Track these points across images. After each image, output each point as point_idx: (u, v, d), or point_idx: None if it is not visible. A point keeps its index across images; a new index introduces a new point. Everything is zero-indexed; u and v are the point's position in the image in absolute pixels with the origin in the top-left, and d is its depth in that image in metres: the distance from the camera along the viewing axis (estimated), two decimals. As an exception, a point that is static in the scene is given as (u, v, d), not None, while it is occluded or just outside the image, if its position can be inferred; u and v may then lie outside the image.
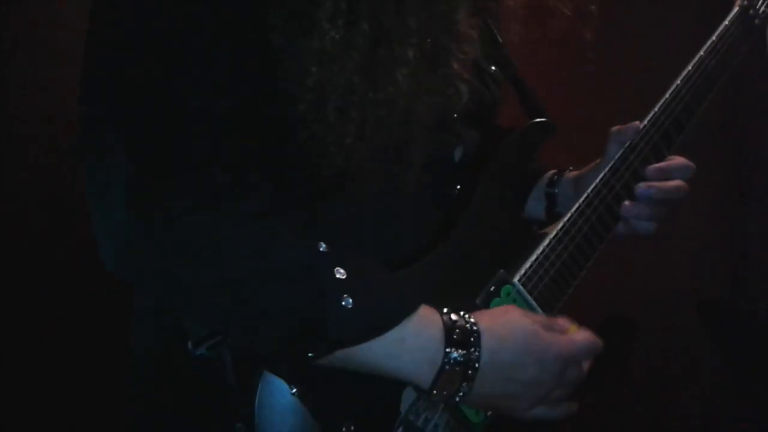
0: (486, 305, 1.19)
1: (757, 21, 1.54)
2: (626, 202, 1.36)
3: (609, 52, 3.03)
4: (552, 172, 1.50)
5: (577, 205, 1.32)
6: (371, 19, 1.08)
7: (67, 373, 2.35)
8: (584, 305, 1.37)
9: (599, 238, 1.33)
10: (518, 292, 1.22)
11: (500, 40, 1.39)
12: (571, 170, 1.49)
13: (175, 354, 1.13)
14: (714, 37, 1.48)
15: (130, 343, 1.25)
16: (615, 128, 1.40)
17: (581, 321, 1.29)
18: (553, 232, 1.28)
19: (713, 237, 3.24)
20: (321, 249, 1.04)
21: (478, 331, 1.08)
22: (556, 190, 1.47)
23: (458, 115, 1.25)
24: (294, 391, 1.06)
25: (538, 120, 1.33)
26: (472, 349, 1.07)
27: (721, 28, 1.50)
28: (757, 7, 1.55)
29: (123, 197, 1.01)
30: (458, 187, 1.25)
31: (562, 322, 1.20)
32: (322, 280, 1.02)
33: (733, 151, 3.26)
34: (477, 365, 1.07)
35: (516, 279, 1.23)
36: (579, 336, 1.19)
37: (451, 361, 1.06)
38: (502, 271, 1.22)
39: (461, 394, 1.08)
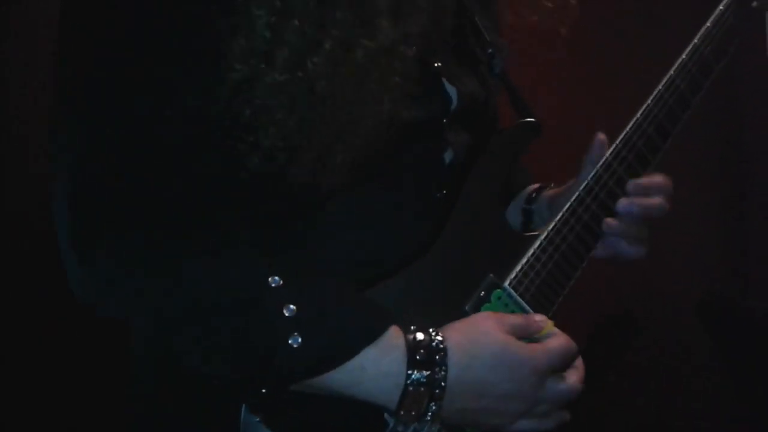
0: (476, 311, 1.18)
1: (754, 3, 1.50)
2: (608, 219, 1.32)
3: (609, 52, 3.03)
4: (533, 187, 1.48)
5: (568, 204, 1.30)
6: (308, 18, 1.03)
7: (68, 373, 2.35)
8: (582, 302, 1.37)
9: (593, 236, 1.31)
10: (509, 296, 1.22)
11: (488, 38, 1.36)
12: (552, 187, 1.46)
13: (173, 360, 1.11)
14: (708, 23, 1.43)
15: (130, 344, 1.25)
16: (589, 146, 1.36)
17: (580, 318, 1.29)
18: (544, 233, 1.27)
19: (713, 234, 3.23)
20: (273, 285, 1.01)
21: (444, 349, 1.06)
22: (533, 207, 1.45)
23: (447, 119, 1.24)
24: (258, 419, 1.06)
25: (525, 120, 1.31)
26: (437, 369, 1.05)
27: (716, 13, 1.45)
28: None
29: (66, 234, 1.01)
30: (444, 191, 1.23)
31: (539, 319, 1.18)
32: (269, 319, 1.00)
33: (733, 149, 3.25)
34: (443, 384, 1.05)
35: (507, 283, 1.22)
36: (553, 343, 1.16)
37: (415, 383, 1.04)
38: (491, 275, 1.21)
39: (430, 414, 1.06)
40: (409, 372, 1.04)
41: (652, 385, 3.05)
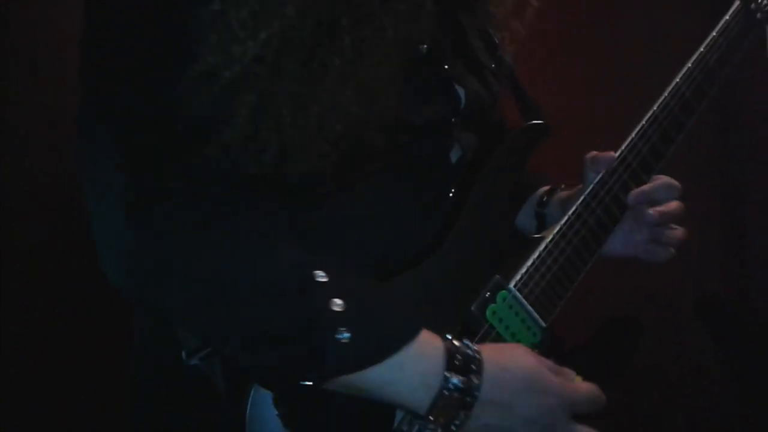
0: (481, 312, 1.18)
1: (759, 15, 1.52)
2: (633, 190, 1.35)
3: (611, 50, 3.03)
4: (544, 189, 1.48)
5: (574, 207, 1.31)
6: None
7: (69, 370, 2.35)
8: (583, 304, 1.37)
9: (597, 241, 1.32)
10: (514, 297, 1.22)
11: (496, 40, 1.37)
12: (563, 188, 1.46)
13: (172, 359, 1.13)
14: (714, 33, 1.46)
15: (131, 340, 1.26)
16: (590, 155, 1.37)
17: (579, 319, 1.29)
18: (550, 235, 1.28)
19: (713, 236, 3.24)
20: (318, 279, 1.01)
21: (480, 360, 1.06)
22: (546, 211, 1.45)
23: (456, 119, 1.25)
24: (276, 413, 1.05)
25: (533, 122, 1.32)
26: (473, 376, 1.05)
27: (722, 22, 1.47)
28: (759, 0, 1.52)
29: (118, 211, 1.00)
30: (453, 191, 1.24)
31: (568, 372, 1.18)
32: (318, 314, 1.00)
33: (733, 150, 3.25)
34: (477, 393, 1.05)
35: (512, 284, 1.22)
36: (583, 386, 1.17)
37: (450, 387, 1.03)
38: (497, 276, 1.21)
39: (457, 422, 1.05)
40: (447, 374, 1.04)
41: (652, 386, 3.05)
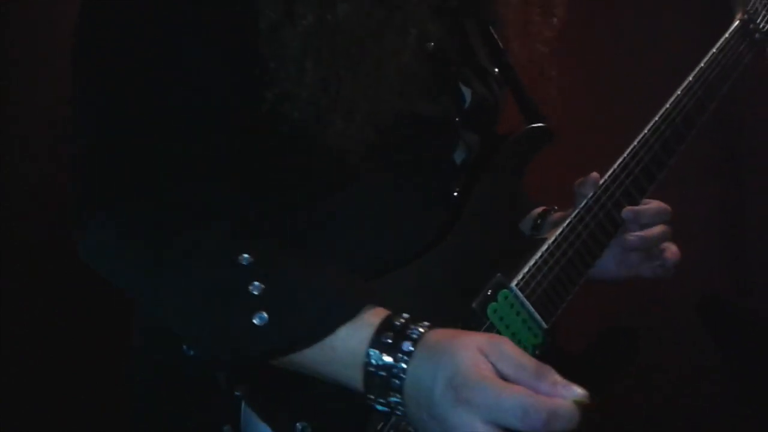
0: (482, 309, 1.18)
1: (757, 35, 1.56)
2: (627, 208, 1.35)
3: (611, 50, 3.03)
4: (537, 211, 1.47)
5: (576, 211, 1.32)
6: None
7: (69, 373, 2.35)
8: (582, 306, 1.37)
9: (599, 244, 1.33)
10: (516, 296, 1.22)
11: (501, 44, 1.38)
12: (555, 211, 1.45)
13: (172, 352, 1.14)
14: (714, 49, 1.49)
15: (131, 340, 1.27)
16: (578, 181, 1.36)
17: (579, 320, 1.29)
18: (552, 237, 1.28)
19: (713, 236, 3.24)
20: (242, 262, 1.02)
21: (416, 340, 0.96)
22: (540, 234, 1.44)
23: (460, 118, 1.26)
24: (237, 394, 1.06)
25: (535, 125, 1.33)
26: (400, 355, 0.96)
27: (721, 40, 1.51)
28: (758, 21, 1.56)
29: (77, 200, 1.08)
30: (457, 189, 1.25)
31: (551, 374, 0.94)
32: (235, 296, 1.01)
33: (733, 151, 3.25)
34: (403, 376, 0.95)
35: (513, 283, 1.22)
36: (508, 398, 0.89)
37: (373, 363, 0.97)
38: (499, 274, 1.21)
39: (394, 404, 0.97)
40: (370, 351, 0.97)
41: (652, 386, 3.05)
